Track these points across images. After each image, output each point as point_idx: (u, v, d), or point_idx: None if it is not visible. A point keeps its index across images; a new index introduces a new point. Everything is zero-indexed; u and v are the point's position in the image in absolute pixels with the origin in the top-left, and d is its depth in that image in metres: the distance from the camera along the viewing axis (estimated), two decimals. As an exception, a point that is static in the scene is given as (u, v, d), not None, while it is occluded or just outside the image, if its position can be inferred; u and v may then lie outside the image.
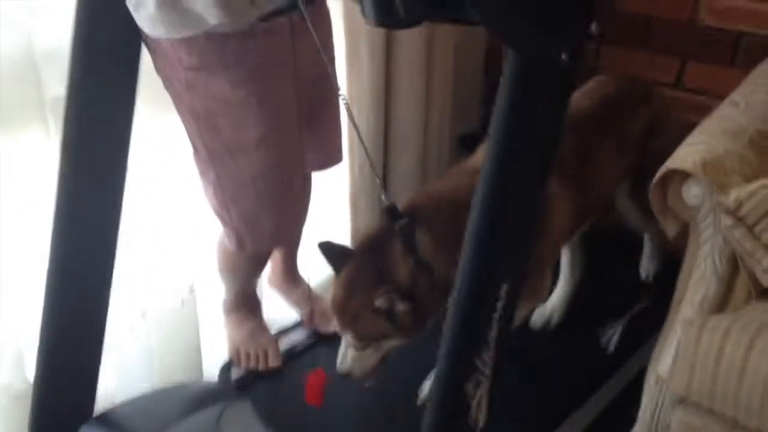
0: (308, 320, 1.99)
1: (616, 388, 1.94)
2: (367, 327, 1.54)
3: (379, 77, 2.13)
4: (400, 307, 1.49)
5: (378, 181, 1.68)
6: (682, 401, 1.62)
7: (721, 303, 1.61)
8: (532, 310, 1.96)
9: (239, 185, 1.53)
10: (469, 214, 1.55)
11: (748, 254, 1.50)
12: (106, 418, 1.52)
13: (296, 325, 2.01)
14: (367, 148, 1.58)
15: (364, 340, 1.56)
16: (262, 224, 1.59)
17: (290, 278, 2.02)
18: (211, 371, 1.97)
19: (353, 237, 1.66)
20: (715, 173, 1.54)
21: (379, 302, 1.49)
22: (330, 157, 1.78)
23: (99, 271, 1.44)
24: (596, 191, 1.80)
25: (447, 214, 1.52)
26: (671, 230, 1.73)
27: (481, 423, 1.07)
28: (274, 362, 1.84)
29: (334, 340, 1.91)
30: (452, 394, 1.06)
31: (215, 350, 1.97)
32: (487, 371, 1.04)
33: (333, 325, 1.93)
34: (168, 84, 1.47)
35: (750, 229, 1.47)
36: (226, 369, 1.83)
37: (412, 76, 2.22)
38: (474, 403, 1.04)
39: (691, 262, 1.71)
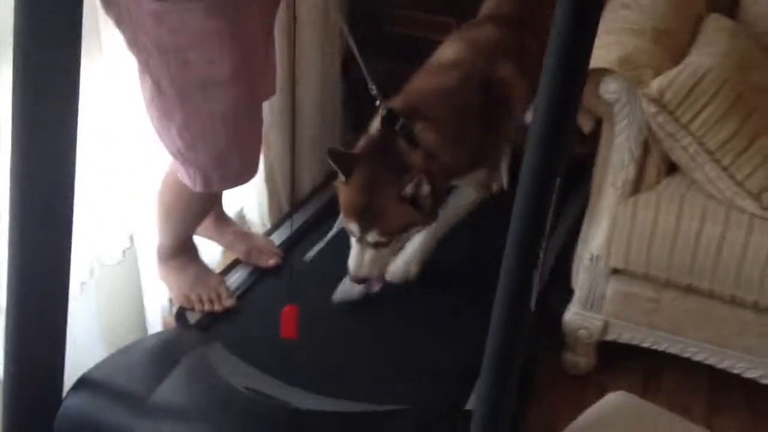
0: (247, 257, 1.97)
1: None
2: (393, 219, 1.64)
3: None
4: (426, 189, 1.61)
5: (372, 88, 1.68)
6: (615, 272, 1.84)
7: (637, 184, 1.83)
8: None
9: (210, 123, 1.48)
10: (456, 102, 1.74)
11: (669, 136, 1.71)
12: (90, 381, 1.46)
13: (235, 264, 1.98)
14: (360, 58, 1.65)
15: (388, 235, 1.65)
16: (231, 162, 1.56)
17: (220, 221, 1.98)
18: (153, 323, 1.91)
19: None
20: (631, 69, 1.73)
21: (408, 188, 1.60)
22: (269, 89, 1.75)
23: (59, 234, 1.33)
24: (535, 78, 1.95)
25: (439, 107, 1.72)
26: (587, 126, 1.93)
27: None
28: (228, 302, 1.82)
29: (275, 273, 1.96)
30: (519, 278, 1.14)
31: (155, 300, 1.90)
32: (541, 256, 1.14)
33: (272, 259, 1.97)
34: (124, 21, 1.37)
35: (671, 113, 1.68)
36: (181, 315, 1.78)
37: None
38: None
39: (605, 151, 1.92)
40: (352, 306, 1.82)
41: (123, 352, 1.56)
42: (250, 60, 1.47)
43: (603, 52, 1.79)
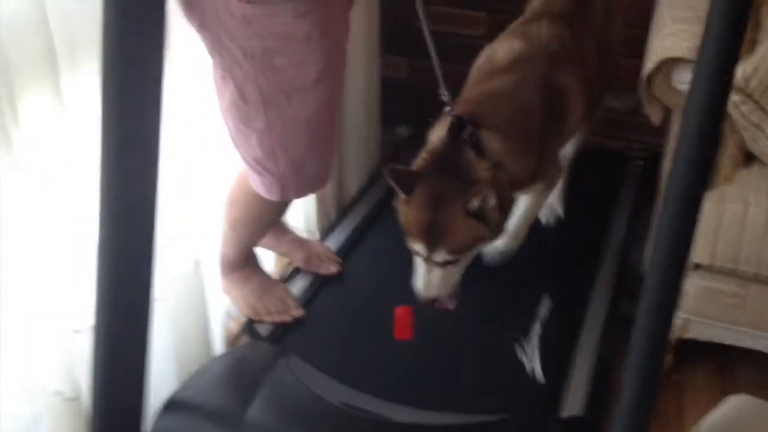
0: (306, 265, 1.89)
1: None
2: (461, 235, 1.53)
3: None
4: (492, 202, 1.50)
5: (444, 93, 1.58)
6: (697, 267, 1.77)
7: (714, 176, 1.76)
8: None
9: (292, 129, 1.43)
10: (520, 108, 1.65)
11: (754, 125, 1.65)
12: (180, 402, 1.37)
13: (295, 273, 1.90)
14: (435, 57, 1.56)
15: (457, 252, 1.54)
16: (309, 168, 1.51)
17: (277, 229, 1.89)
18: (217, 337, 1.82)
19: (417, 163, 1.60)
20: (710, 56, 1.66)
21: (475, 202, 1.50)
22: None
23: (143, 258, 1.24)
24: (593, 84, 1.88)
25: (503, 113, 1.62)
26: (657, 116, 1.87)
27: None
28: (296, 312, 1.74)
29: (337, 280, 1.88)
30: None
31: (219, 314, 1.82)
32: None
33: (332, 266, 1.89)
34: (209, 26, 1.30)
35: (757, 102, 1.62)
36: (251, 328, 1.70)
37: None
38: None
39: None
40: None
41: (204, 371, 1.48)
42: (335, 61, 1.41)
43: (674, 40, 1.74)
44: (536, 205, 1.88)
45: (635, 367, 1.12)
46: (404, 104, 2.76)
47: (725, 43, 1.00)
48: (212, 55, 1.37)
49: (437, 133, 1.65)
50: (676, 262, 1.06)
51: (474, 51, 2.53)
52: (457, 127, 1.55)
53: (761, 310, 1.76)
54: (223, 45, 1.33)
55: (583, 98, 1.78)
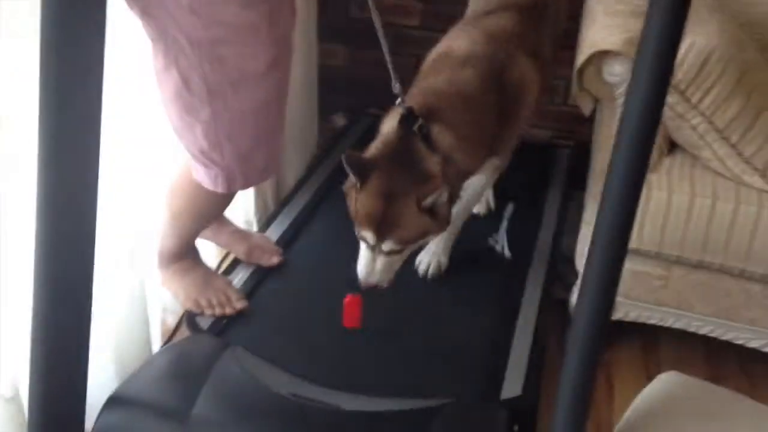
0: (247, 257, 1.89)
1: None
2: (411, 229, 1.55)
3: None
4: (444, 198, 1.53)
5: (396, 85, 1.58)
6: (625, 253, 1.86)
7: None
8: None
9: (238, 120, 1.41)
10: (475, 103, 1.67)
11: (678, 116, 1.74)
12: (123, 398, 1.36)
13: (235, 265, 1.89)
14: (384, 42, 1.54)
15: (404, 244, 1.57)
16: (256, 160, 1.49)
17: (217, 221, 1.88)
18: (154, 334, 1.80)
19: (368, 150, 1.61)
20: (637, 50, 1.74)
21: (429, 199, 1.52)
22: None
23: (83, 252, 1.22)
24: (547, 76, 1.94)
25: (456, 108, 1.63)
26: (587, 107, 1.94)
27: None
28: (239, 304, 1.73)
29: (279, 270, 1.88)
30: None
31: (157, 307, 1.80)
32: None
33: (274, 257, 1.89)
34: (152, 14, 1.27)
35: (682, 93, 1.71)
36: (191, 321, 1.69)
37: None
38: None
39: (607, 133, 1.93)
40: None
41: (146, 366, 1.46)
42: (283, 53, 1.40)
43: (605, 34, 1.80)
44: (477, 197, 1.93)
45: (578, 348, 1.18)
46: (340, 92, 2.77)
47: (666, 35, 1.06)
48: (155, 43, 1.34)
49: (389, 124, 1.66)
50: (618, 246, 1.12)
51: (408, 41, 2.58)
52: (407, 120, 1.57)
53: (683, 291, 1.86)
54: (168, 33, 1.30)
55: (537, 90, 1.82)
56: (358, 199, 1.56)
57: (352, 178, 1.58)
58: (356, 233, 1.60)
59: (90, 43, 1.12)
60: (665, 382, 1.37)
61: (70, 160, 1.13)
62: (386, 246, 1.56)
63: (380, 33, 1.53)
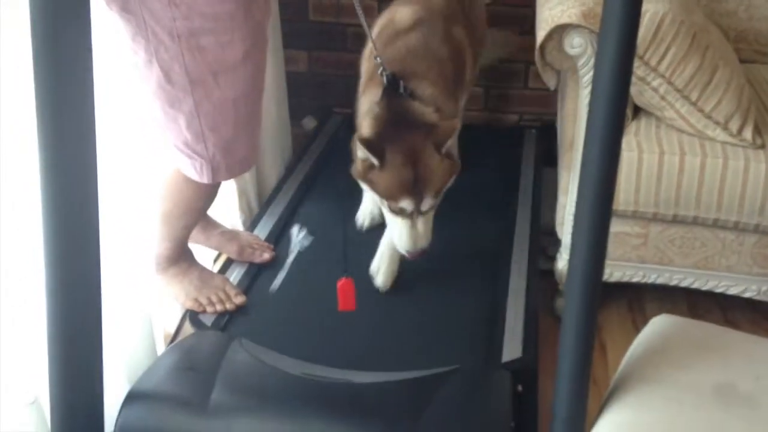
0: (239, 256, 1.93)
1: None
2: (441, 176, 1.64)
3: None
4: (455, 141, 1.64)
5: (378, 58, 1.66)
6: (603, 216, 1.94)
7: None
8: None
9: (220, 110, 1.45)
10: (434, 57, 1.79)
11: (640, 79, 1.83)
12: (141, 391, 1.39)
13: (229, 263, 1.93)
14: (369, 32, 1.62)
15: (438, 194, 1.65)
16: (238, 149, 1.54)
17: (205, 223, 1.92)
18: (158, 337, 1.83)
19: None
20: (595, 21, 1.83)
21: (448, 141, 1.62)
22: None
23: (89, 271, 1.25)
24: (474, 41, 2.07)
25: (424, 63, 1.75)
26: (552, 82, 2.02)
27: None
28: (238, 299, 1.77)
29: (272, 265, 1.92)
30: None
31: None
32: None
33: (266, 253, 1.93)
34: (131, 9, 1.31)
35: (641, 57, 1.80)
36: (194, 319, 1.72)
37: None
38: None
39: (572, 105, 2.01)
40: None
41: (158, 364, 1.49)
42: (260, 40, 1.45)
43: (562, 9, 1.88)
44: None
45: (574, 314, 1.24)
46: (306, 96, 2.83)
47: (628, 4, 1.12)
48: (135, 40, 1.38)
49: (368, 99, 1.73)
50: (602, 208, 1.19)
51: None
52: (393, 84, 1.65)
53: (662, 246, 1.95)
54: (148, 27, 1.34)
55: (472, 51, 1.97)
56: (383, 176, 1.61)
57: (362, 161, 1.62)
58: (390, 209, 1.64)
59: (78, 53, 1.17)
60: (658, 324, 1.44)
61: (69, 170, 1.18)
62: (425, 205, 1.63)
63: (358, 7, 1.58)
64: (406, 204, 1.62)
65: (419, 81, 1.70)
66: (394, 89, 1.66)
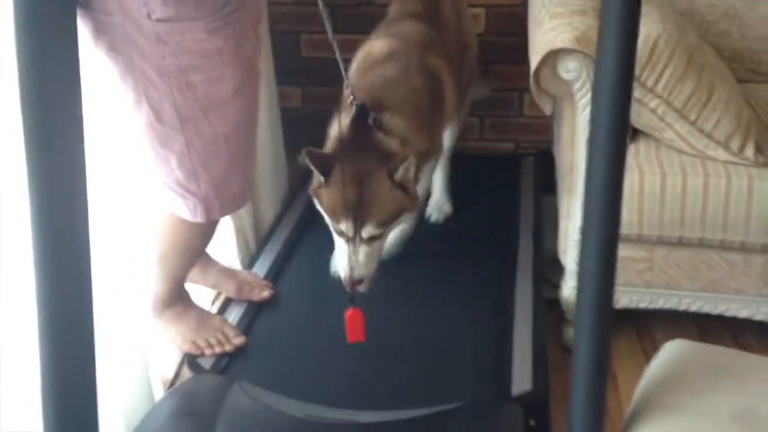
0: (237, 295, 1.89)
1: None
2: (388, 205, 1.60)
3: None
4: (412, 170, 1.62)
5: (348, 85, 1.66)
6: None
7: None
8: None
9: (211, 147, 1.43)
10: (409, 88, 1.79)
11: (637, 101, 1.81)
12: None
13: (227, 303, 1.89)
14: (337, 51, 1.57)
15: (383, 225, 1.61)
16: (231, 186, 1.51)
17: (203, 262, 1.88)
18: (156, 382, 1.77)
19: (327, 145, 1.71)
20: (589, 45, 1.81)
21: (401, 169, 1.59)
22: None
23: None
24: (457, 69, 2.08)
25: (397, 95, 1.75)
26: (548, 107, 2.00)
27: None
28: (237, 340, 1.72)
29: (271, 303, 1.89)
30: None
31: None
32: None
33: (265, 291, 1.89)
34: (119, 49, 1.29)
35: (637, 78, 1.78)
36: (191, 362, 1.67)
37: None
38: None
39: (569, 129, 1.99)
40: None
41: (157, 408, 1.44)
42: (250, 76, 1.43)
43: (555, 34, 1.87)
44: (446, 174, 2.20)
45: (585, 343, 1.20)
46: (300, 133, 2.80)
47: (625, 24, 1.10)
48: (124, 80, 1.36)
49: (336, 126, 1.72)
50: (609, 235, 1.16)
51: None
52: (362, 114, 1.65)
53: (668, 270, 1.91)
54: (137, 67, 1.33)
55: (453, 79, 1.96)
56: (328, 193, 1.61)
57: (316, 178, 1.63)
58: (333, 229, 1.64)
59: (66, 92, 1.15)
60: (671, 350, 1.40)
61: (60, 213, 1.15)
62: (366, 232, 1.59)
63: (331, 35, 1.55)
64: (346, 226, 1.60)
65: (389, 113, 1.70)
66: (362, 118, 1.66)
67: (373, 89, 1.77)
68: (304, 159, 1.60)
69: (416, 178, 1.71)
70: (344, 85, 1.68)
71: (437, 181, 2.24)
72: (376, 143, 1.65)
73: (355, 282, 1.61)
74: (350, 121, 1.68)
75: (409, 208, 1.67)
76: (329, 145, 1.71)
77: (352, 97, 1.66)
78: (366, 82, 1.80)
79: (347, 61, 1.86)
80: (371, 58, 1.88)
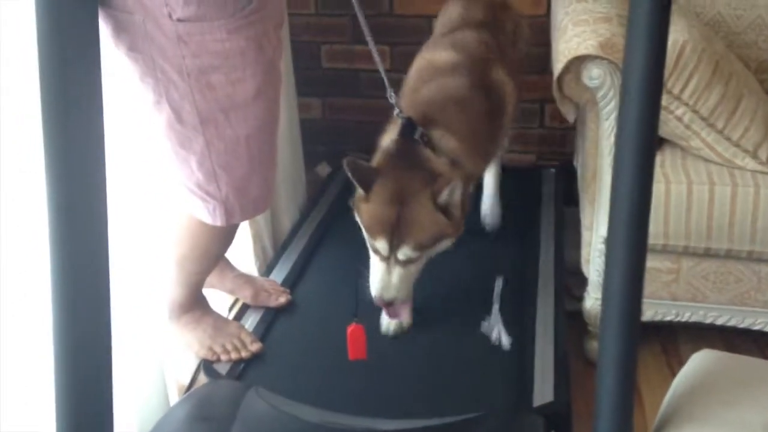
0: (254, 301, 1.87)
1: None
2: (427, 229, 1.52)
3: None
4: (457, 195, 1.52)
5: (391, 95, 1.60)
6: (631, 252, 1.86)
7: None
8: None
9: (232, 148, 1.41)
10: (467, 106, 1.71)
11: (662, 109, 1.77)
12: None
13: (244, 309, 1.87)
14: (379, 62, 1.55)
15: (421, 249, 1.53)
16: (252, 189, 1.48)
17: (220, 267, 1.86)
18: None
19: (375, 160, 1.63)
20: (613, 52, 1.79)
21: (444, 193, 1.50)
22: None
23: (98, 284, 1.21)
24: (516, 79, 1.99)
25: (453, 114, 1.66)
26: (571, 114, 1.97)
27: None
28: (254, 346, 1.70)
29: (288, 310, 1.87)
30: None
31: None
32: None
33: (282, 297, 1.88)
34: (139, 48, 1.29)
35: (664, 86, 1.74)
36: (207, 368, 1.65)
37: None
38: None
39: (593, 136, 1.96)
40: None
41: (173, 412, 1.42)
42: (272, 78, 1.42)
43: (578, 41, 1.85)
44: (497, 179, 2.16)
45: (611, 356, 1.16)
46: (320, 143, 2.80)
47: (653, 34, 1.08)
48: (144, 81, 1.35)
49: (389, 136, 1.67)
50: (636, 245, 1.12)
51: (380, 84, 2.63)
52: (408, 129, 1.58)
53: (695, 282, 1.86)
54: (157, 66, 1.32)
55: (514, 87, 1.89)
56: (368, 209, 1.54)
57: (358, 192, 1.57)
58: (369, 246, 1.57)
59: (88, 94, 1.14)
60: (699, 361, 1.36)
61: (79, 218, 1.14)
62: (402, 254, 1.52)
63: (371, 44, 1.53)
64: (381, 245, 1.53)
65: (441, 130, 1.62)
66: (409, 133, 1.59)
67: (429, 103, 1.69)
68: (345, 170, 1.54)
69: (463, 205, 1.60)
70: (387, 95, 1.60)
71: (489, 185, 2.19)
72: (423, 161, 1.57)
73: (386, 304, 1.56)
74: (396, 136, 1.62)
75: (450, 234, 1.58)
76: (377, 157, 1.64)
77: (397, 109, 1.61)
78: (423, 95, 1.73)
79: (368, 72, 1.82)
80: (432, 69, 1.80)
